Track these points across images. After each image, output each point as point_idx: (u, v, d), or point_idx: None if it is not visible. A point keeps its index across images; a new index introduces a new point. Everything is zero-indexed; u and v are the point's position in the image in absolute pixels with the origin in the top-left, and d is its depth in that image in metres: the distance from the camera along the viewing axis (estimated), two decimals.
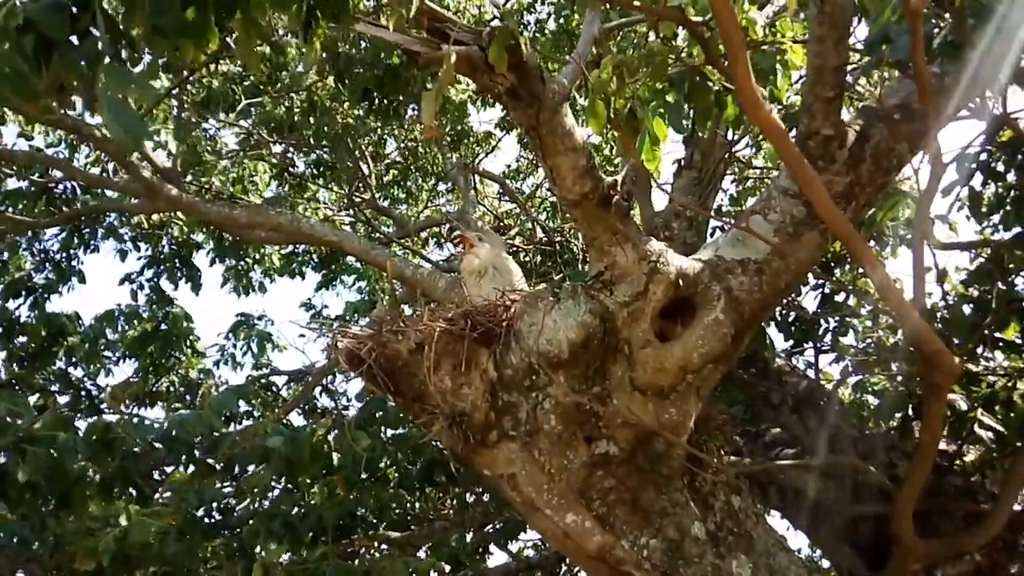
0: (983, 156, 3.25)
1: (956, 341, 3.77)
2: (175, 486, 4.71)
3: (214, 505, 4.82)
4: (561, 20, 7.27)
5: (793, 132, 2.95)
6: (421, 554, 5.91)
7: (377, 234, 8.68)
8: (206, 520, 4.79)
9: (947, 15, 2.64)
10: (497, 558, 6.70)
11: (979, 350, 4.03)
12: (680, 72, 2.99)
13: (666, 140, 3.16)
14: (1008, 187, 3.50)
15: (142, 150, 5.24)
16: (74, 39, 1.74)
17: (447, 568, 5.70)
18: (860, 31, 3.72)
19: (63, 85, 1.77)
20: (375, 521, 5.21)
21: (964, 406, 3.82)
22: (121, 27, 1.82)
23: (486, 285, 3.42)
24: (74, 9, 1.72)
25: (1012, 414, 3.91)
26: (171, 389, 7.14)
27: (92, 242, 7.43)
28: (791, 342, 4.91)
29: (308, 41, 2.33)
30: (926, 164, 2.76)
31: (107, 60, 1.73)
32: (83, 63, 1.72)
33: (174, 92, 6.20)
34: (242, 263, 8.60)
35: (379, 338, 2.98)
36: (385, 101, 6.35)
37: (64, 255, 7.29)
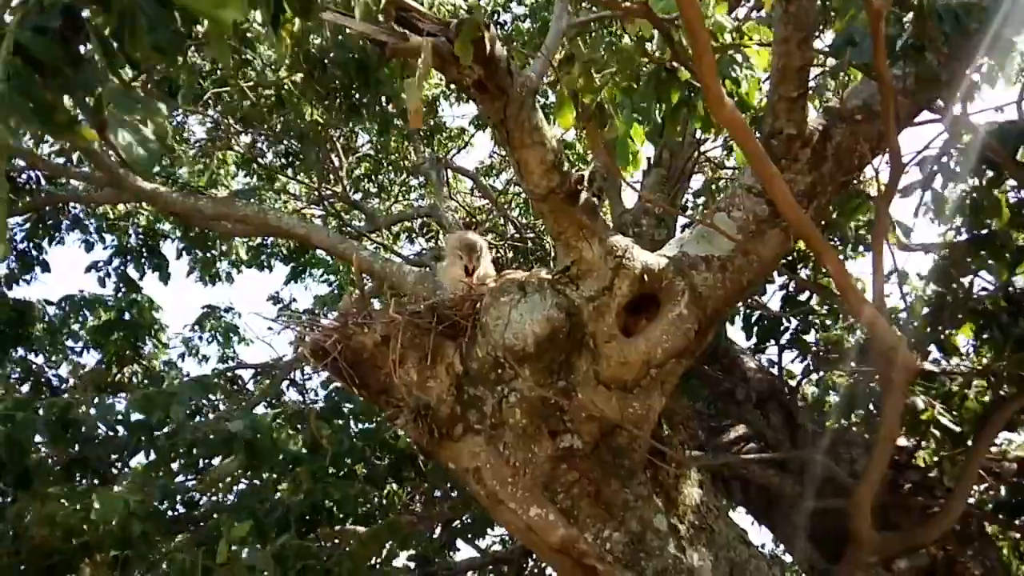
0: (944, 159, 3.32)
1: (914, 340, 3.85)
2: (137, 476, 4.63)
3: (178, 497, 4.76)
4: (537, 20, 7.28)
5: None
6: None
7: (348, 228, 8.62)
8: (170, 512, 4.74)
9: (909, 17, 2.69)
10: (465, 553, 6.69)
11: (932, 350, 4.12)
12: (649, 71, 3.01)
13: (643, 143, 3.18)
14: (971, 190, 3.58)
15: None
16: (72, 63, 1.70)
17: (413, 566, 5.70)
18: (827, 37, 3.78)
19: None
20: (341, 515, 5.18)
21: (921, 404, 3.90)
22: (115, 45, 1.79)
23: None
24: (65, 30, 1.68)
25: (966, 413, 4.01)
26: (134, 379, 7.02)
27: (57, 234, 7.29)
28: (755, 340, 4.97)
29: (277, 34, 2.31)
30: (887, 165, 2.81)
31: (110, 83, 1.70)
32: (84, 88, 1.69)
33: (139, 80, 6.07)
34: (209, 254, 8.49)
35: (344, 330, 2.96)
36: (354, 99, 6.30)
37: (28, 244, 7.14)
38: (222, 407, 6.56)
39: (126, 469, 4.71)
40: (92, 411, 3.99)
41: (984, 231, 3.51)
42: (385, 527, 4.94)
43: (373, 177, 9.77)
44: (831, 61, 3.31)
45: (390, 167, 9.66)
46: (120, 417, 4.17)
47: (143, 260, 7.69)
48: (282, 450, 4.57)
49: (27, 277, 7.08)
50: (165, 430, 4.32)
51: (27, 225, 7.11)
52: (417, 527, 5.55)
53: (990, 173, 3.25)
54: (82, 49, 1.68)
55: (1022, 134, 2.99)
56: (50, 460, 3.93)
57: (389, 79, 5.83)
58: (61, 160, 7.00)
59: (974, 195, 3.45)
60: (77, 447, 3.96)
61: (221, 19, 1.60)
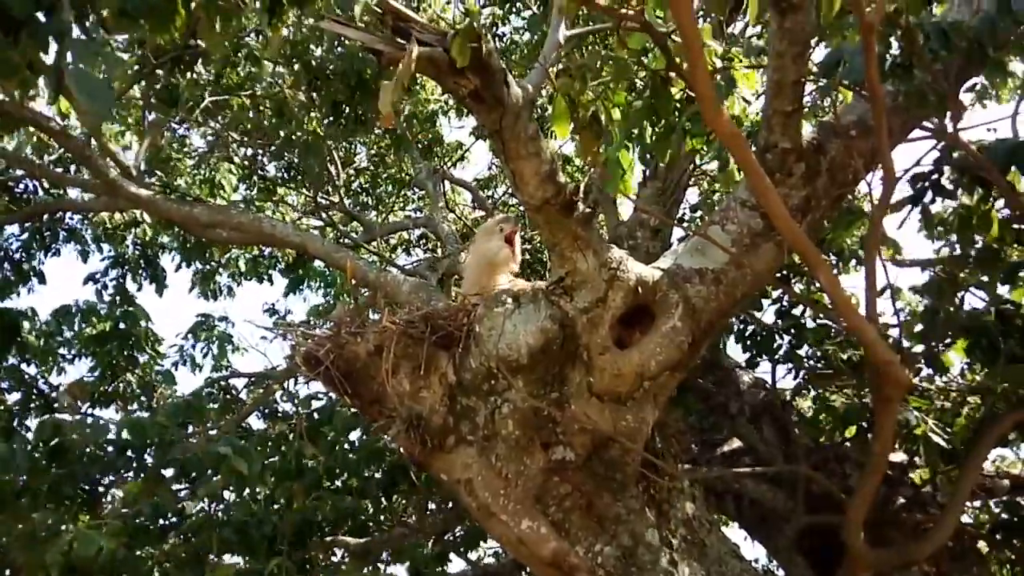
0: (935, 175, 3.33)
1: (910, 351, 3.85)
2: (129, 498, 4.60)
3: (167, 510, 4.73)
4: (536, 33, 7.32)
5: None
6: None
7: (345, 239, 8.63)
8: (159, 524, 4.70)
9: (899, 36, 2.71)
10: (456, 566, 6.64)
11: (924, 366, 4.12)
12: (645, 82, 3.03)
13: (631, 168, 3.20)
14: (960, 207, 3.60)
15: (110, 120, 5.09)
16: (41, 16, 1.70)
17: None
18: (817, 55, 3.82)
19: (32, 65, 1.74)
20: (332, 528, 5.15)
21: (914, 420, 3.89)
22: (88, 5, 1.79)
23: (496, 282, 3.32)
24: None
25: (958, 429, 4.01)
26: (128, 390, 6.98)
27: (53, 245, 7.29)
28: (749, 354, 4.97)
29: (272, 27, 2.32)
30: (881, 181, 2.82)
31: (75, 34, 1.70)
32: (50, 38, 1.68)
33: (139, 87, 6.10)
34: (208, 265, 8.50)
35: (337, 339, 2.96)
36: (355, 112, 6.32)
37: (24, 255, 7.13)
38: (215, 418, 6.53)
39: (113, 489, 4.68)
40: (81, 432, 3.96)
41: (975, 247, 3.52)
42: (377, 541, 4.92)
43: (371, 190, 9.80)
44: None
45: (388, 179, 9.69)
46: (109, 438, 4.16)
47: (140, 271, 7.70)
48: (272, 469, 4.54)
49: (21, 291, 7.07)
50: (152, 449, 4.30)
51: (24, 236, 7.11)
52: (409, 539, 5.52)
53: (980, 190, 3.26)
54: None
55: (1011, 152, 3.00)
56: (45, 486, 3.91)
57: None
58: (59, 169, 7.02)
59: (963, 211, 3.46)
60: (66, 467, 3.93)
61: None
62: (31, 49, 1.68)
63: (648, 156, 3.35)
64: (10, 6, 1.62)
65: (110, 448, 4.36)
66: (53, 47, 1.69)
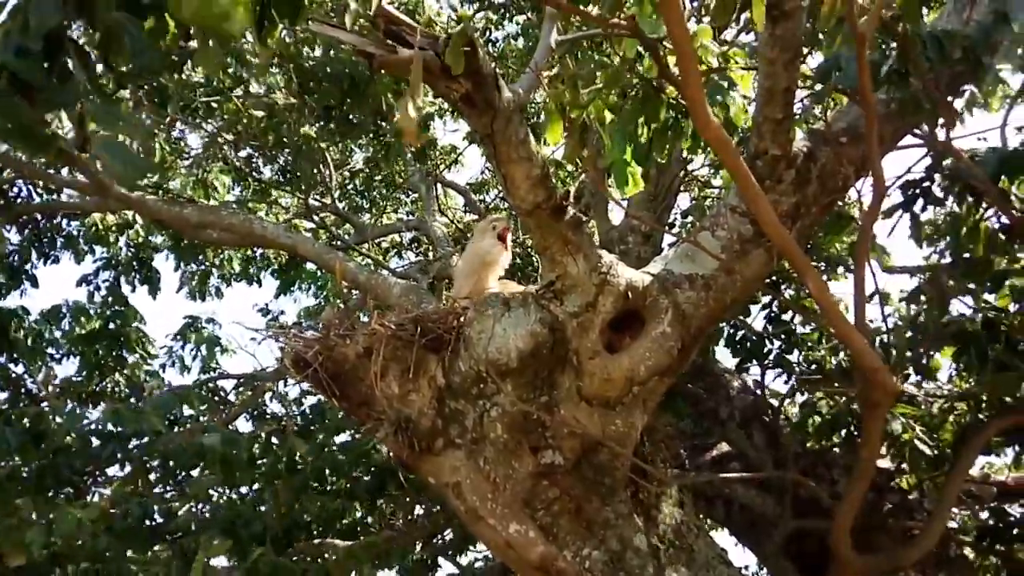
0: (926, 182, 3.35)
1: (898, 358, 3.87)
2: (118, 495, 4.57)
3: (155, 508, 4.70)
4: (529, 39, 7.33)
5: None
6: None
7: (337, 242, 8.61)
8: (148, 523, 4.67)
9: (893, 44, 2.73)
10: (445, 569, 6.62)
11: (912, 373, 4.14)
12: (636, 88, 3.03)
13: (637, 176, 3.20)
14: (949, 215, 3.61)
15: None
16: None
17: None
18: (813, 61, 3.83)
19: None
20: (321, 530, 5.13)
21: (900, 428, 3.91)
22: (100, 63, 1.78)
23: (487, 280, 3.32)
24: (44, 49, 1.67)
25: (945, 435, 4.03)
26: (115, 389, 6.94)
27: (51, 252, 7.25)
28: (739, 359, 4.98)
29: (262, 42, 2.30)
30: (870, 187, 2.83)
31: (91, 99, 1.69)
32: (67, 104, 1.68)
33: (128, 89, 6.06)
34: (202, 267, 8.47)
35: (326, 342, 2.95)
36: (347, 115, 6.30)
37: (15, 259, 7.08)
38: (203, 419, 6.49)
39: (100, 480, 4.64)
40: (63, 420, 3.94)
41: (965, 255, 3.53)
42: (364, 544, 4.90)
43: (365, 192, 9.77)
44: (818, 86, 3.35)
45: (382, 182, 9.67)
46: (93, 427, 4.12)
47: (133, 273, 7.66)
48: (259, 466, 4.52)
49: (14, 293, 7.02)
50: (138, 442, 4.27)
51: (23, 242, 7.06)
52: (397, 542, 5.50)
53: (971, 198, 3.28)
54: (67, 64, 1.66)
55: (1003, 161, 3.02)
56: (24, 472, 3.87)
57: (381, 94, 5.82)
58: (51, 170, 6.97)
59: (954, 220, 3.48)
60: (49, 457, 3.90)
61: (226, 32, 1.61)
62: (48, 113, 1.67)
63: (645, 158, 3.35)
64: (21, 73, 1.59)
65: (95, 440, 4.32)
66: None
